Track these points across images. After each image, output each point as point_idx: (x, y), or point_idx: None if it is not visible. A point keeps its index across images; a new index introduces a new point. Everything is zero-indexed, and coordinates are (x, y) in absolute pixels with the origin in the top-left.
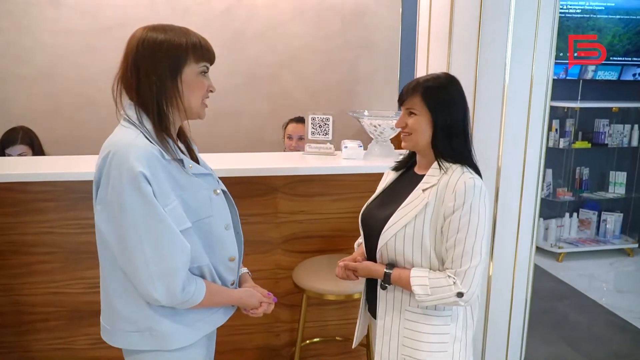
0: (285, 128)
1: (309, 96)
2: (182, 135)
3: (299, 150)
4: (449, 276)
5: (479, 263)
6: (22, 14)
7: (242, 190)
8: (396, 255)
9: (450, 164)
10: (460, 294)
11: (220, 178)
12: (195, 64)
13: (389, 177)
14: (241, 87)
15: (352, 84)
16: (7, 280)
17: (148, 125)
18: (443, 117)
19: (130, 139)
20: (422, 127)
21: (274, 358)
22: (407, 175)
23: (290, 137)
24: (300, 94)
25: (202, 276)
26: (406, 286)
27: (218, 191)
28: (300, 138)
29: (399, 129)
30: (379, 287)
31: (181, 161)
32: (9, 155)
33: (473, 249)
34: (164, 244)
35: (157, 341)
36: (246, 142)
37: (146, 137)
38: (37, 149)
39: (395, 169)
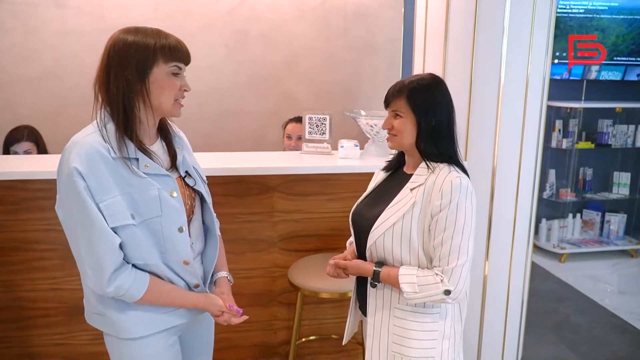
0: (284, 128)
1: (311, 96)
2: (165, 133)
3: (298, 150)
4: (437, 274)
5: (466, 261)
6: (28, 15)
7: (239, 189)
8: (385, 254)
9: (438, 163)
10: (447, 292)
11: (217, 177)
12: (165, 64)
13: (378, 176)
14: (244, 87)
15: (354, 84)
16: (8, 276)
17: (110, 123)
18: (427, 118)
19: (82, 136)
20: (407, 128)
21: (270, 355)
22: (396, 175)
23: (289, 137)
24: (302, 94)
25: (154, 274)
26: (395, 284)
27: (175, 194)
28: (300, 138)
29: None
30: (369, 285)
31: (136, 160)
32: (15, 152)
33: (460, 247)
34: (92, 238)
35: (111, 327)
36: (249, 142)
37: (101, 134)
38: (41, 147)
39: (385, 169)
